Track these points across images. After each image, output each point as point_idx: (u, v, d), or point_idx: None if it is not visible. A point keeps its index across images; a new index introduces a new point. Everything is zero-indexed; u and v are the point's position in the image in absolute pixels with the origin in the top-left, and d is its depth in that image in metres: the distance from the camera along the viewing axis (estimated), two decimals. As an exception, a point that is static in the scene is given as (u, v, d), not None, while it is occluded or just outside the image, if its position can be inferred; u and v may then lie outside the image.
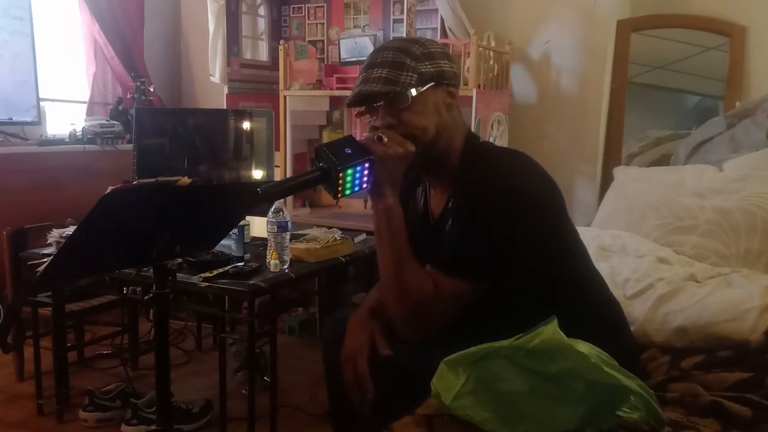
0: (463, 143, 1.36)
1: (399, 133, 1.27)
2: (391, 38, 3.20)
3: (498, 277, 1.26)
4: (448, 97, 1.34)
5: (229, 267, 1.99)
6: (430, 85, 1.29)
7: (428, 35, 3.09)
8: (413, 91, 1.27)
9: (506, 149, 1.44)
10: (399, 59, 1.29)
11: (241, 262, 2.06)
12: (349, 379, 1.35)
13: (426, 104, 1.30)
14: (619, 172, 2.56)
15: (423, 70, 1.29)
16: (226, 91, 3.37)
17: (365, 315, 1.42)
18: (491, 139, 2.71)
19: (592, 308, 1.38)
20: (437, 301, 1.26)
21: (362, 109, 1.34)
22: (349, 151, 1.23)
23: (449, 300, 1.26)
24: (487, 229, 1.24)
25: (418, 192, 1.50)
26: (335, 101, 3.41)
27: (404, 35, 2.87)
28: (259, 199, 1.23)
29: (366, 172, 1.24)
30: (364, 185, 1.26)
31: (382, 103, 1.29)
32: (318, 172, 1.25)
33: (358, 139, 1.27)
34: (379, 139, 1.25)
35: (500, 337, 1.10)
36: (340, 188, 1.23)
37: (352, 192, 1.25)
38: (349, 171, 1.22)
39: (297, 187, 1.34)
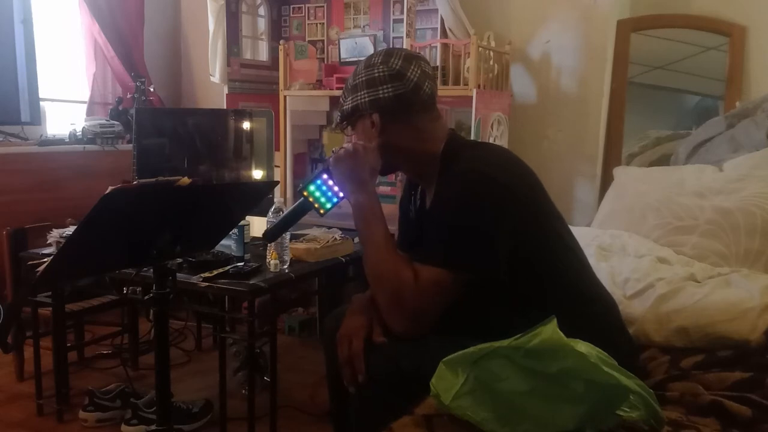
0: (443, 146, 1.43)
1: None
2: (392, 39, 3.21)
3: (472, 267, 1.28)
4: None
5: (229, 267, 1.99)
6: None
7: (428, 35, 3.09)
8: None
9: (484, 145, 1.54)
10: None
11: (241, 262, 2.07)
12: (343, 356, 1.37)
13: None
14: (619, 172, 2.56)
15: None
16: (226, 91, 3.37)
17: (367, 300, 1.44)
18: (491, 139, 2.71)
19: (584, 304, 1.39)
20: (417, 292, 1.29)
21: None
22: (313, 173, 1.45)
23: (429, 288, 1.29)
24: (456, 218, 1.29)
25: (418, 192, 1.56)
26: (335, 101, 3.39)
27: (404, 35, 2.87)
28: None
29: (330, 182, 1.42)
30: (340, 194, 1.43)
31: None
32: (299, 203, 1.45)
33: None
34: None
35: (501, 337, 1.11)
36: (316, 205, 1.43)
37: (333, 204, 1.44)
38: (312, 188, 1.42)
39: (289, 223, 1.54)
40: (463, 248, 1.28)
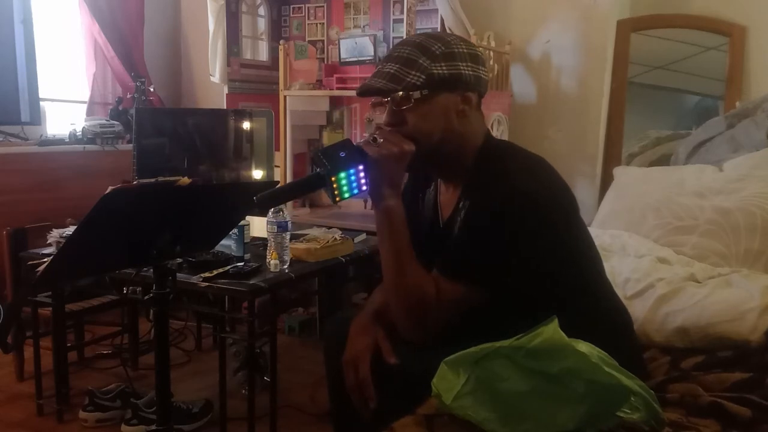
0: (481, 144, 1.33)
1: (401, 133, 1.26)
2: (392, 39, 3.21)
3: (500, 282, 1.24)
4: (462, 103, 1.28)
5: (229, 267, 1.99)
6: (439, 88, 1.25)
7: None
8: (417, 94, 1.24)
9: (521, 151, 1.37)
10: (413, 57, 1.26)
11: (241, 262, 2.06)
12: (350, 383, 1.33)
13: (432, 108, 1.26)
14: (619, 172, 2.56)
15: (435, 71, 1.25)
16: (226, 91, 3.37)
17: (369, 318, 1.40)
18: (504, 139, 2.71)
19: (597, 312, 1.36)
20: (439, 304, 1.25)
21: (375, 100, 1.32)
22: (343, 154, 1.24)
23: (451, 303, 1.25)
24: (491, 233, 1.22)
25: (427, 192, 1.48)
26: (335, 101, 3.41)
27: (404, 35, 2.87)
28: (256, 206, 1.24)
29: (362, 174, 1.26)
30: (363, 187, 1.27)
31: (390, 99, 1.27)
32: (313, 178, 1.27)
33: (356, 141, 1.28)
34: (374, 140, 1.25)
35: (503, 337, 1.10)
36: (336, 192, 1.25)
37: (352, 194, 1.27)
38: (342, 175, 1.24)
39: (292, 194, 1.38)
40: (491, 266, 1.23)
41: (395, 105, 1.26)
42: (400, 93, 1.25)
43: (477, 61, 1.30)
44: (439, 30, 3.03)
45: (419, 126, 1.27)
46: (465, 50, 1.28)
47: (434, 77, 1.25)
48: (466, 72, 1.27)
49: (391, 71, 1.26)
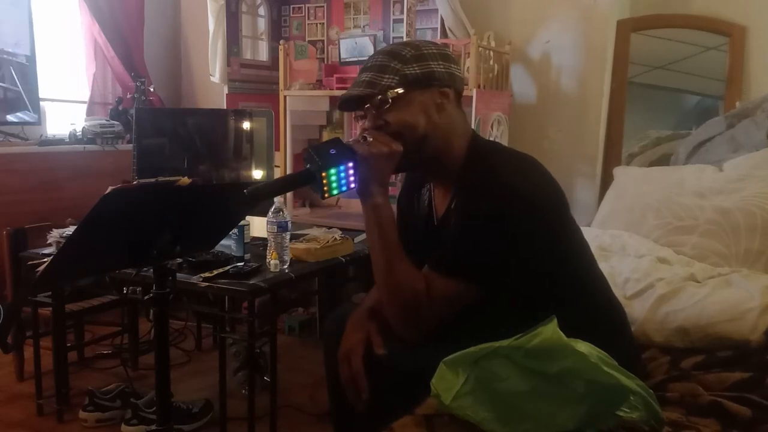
0: (467, 144, 1.36)
1: (387, 132, 1.30)
2: (392, 39, 3.21)
3: (494, 280, 1.25)
4: (439, 97, 1.32)
5: (229, 267, 1.99)
6: (414, 86, 1.30)
7: (428, 35, 3.09)
8: (393, 93, 1.29)
9: (510, 151, 1.41)
10: (384, 63, 1.32)
11: (241, 262, 2.07)
12: (345, 376, 1.36)
13: (411, 105, 1.30)
14: (619, 172, 2.56)
15: (408, 72, 1.30)
16: (226, 91, 3.37)
17: (364, 314, 1.42)
18: (491, 139, 2.71)
19: (595, 311, 1.37)
20: (430, 301, 1.26)
21: (360, 113, 1.37)
22: (333, 151, 1.28)
23: (442, 300, 1.26)
24: (486, 232, 1.23)
25: (422, 192, 1.50)
26: (335, 101, 3.39)
27: (404, 35, 2.88)
28: (246, 200, 1.26)
29: (351, 171, 1.29)
30: (352, 185, 1.30)
31: (369, 105, 1.32)
32: (303, 174, 1.30)
33: (346, 140, 1.31)
34: (364, 138, 1.29)
35: (502, 337, 1.10)
36: (325, 188, 1.27)
37: (340, 191, 1.30)
38: (332, 171, 1.27)
39: (282, 188, 1.43)
40: (483, 263, 1.24)
41: (375, 108, 1.31)
42: (378, 96, 1.29)
43: (448, 59, 1.35)
44: (438, 30, 3.04)
45: (401, 120, 1.30)
46: (435, 51, 1.34)
47: (408, 77, 1.30)
48: (439, 69, 1.32)
49: (366, 79, 1.31)
